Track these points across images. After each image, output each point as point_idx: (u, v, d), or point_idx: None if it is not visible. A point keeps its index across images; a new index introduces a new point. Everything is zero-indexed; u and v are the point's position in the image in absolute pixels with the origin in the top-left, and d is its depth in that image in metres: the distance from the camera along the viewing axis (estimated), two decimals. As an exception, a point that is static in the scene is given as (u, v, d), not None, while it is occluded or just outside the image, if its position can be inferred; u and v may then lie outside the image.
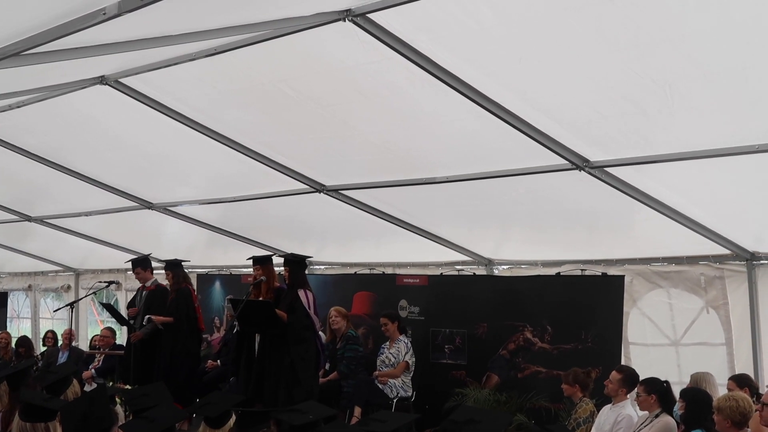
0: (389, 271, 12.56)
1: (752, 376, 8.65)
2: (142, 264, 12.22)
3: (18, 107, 9.40)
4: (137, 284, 12.69)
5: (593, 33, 5.96)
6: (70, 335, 14.80)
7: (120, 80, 8.47)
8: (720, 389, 8.41)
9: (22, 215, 14.74)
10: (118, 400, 10.38)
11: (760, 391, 8.01)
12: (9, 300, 20.21)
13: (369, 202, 10.60)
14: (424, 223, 11.00)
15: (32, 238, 16.46)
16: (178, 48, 7.23)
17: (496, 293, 11.18)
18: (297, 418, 5.55)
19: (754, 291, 9.16)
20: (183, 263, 12.07)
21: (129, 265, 12.68)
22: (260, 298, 10.49)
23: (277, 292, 10.57)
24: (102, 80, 8.43)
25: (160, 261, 13.28)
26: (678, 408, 7.87)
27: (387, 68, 7.01)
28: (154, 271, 12.49)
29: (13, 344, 16.39)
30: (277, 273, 10.90)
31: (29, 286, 19.64)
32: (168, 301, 11.74)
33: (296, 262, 10.58)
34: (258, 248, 12.77)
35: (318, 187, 10.31)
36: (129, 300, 12.90)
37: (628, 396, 8.56)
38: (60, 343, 15.45)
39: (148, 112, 8.98)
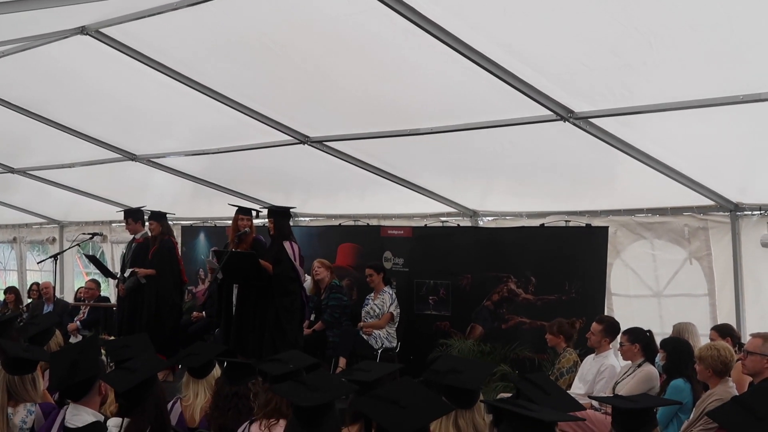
0: (374, 222, 12.58)
1: (734, 326, 8.71)
2: (133, 215, 12.12)
3: (-2, 58, 9.33)
4: (122, 236, 12.66)
5: (578, -18, 5.93)
6: (45, 288, 14.88)
7: (101, 30, 8.39)
8: (702, 339, 8.47)
9: (5, 167, 14.68)
10: (102, 351, 10.40)
11: (742, 341, 8.08)
12: (-7, 252, 20.24)
13: (353, 153, 10.57)
14: (409, 175, 10.98)
15: (16, 191, 16.40)
16: (160, -3, 7.17)
17: (480, 245, 11.20)
18: (278, 368, 5.57)
19: (737, 242, 9.19)
20: (167, 215, 12.04)
21: (113, 217, 12.62)
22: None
23: (254, 243, 10.59)
24: (83, 31, 8.35)
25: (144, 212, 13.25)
26: (660, 358, 7.93)
27: (370, 19, 6.95)
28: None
29: (0, 294, 16.44)
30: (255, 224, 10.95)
31: (14, 239, 19.61)
32: (150, 252, 11.69)
33: (281, 213, 10.57)
34: (243, 200, 12.74)
35: (302, 139, 10.27)
36: (123, 253, 12.82)
37: (611, 346, 8.62)
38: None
39: (130, 63, 8.91)
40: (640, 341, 8.11)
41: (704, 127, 7.71)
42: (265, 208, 11.08)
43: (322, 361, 10.62)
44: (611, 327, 8.62)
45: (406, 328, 11.38)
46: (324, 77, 8.54)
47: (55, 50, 8.94)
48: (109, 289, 16.09)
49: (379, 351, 10.90)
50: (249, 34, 7.90)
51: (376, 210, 12.54)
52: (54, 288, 14.47)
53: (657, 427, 5.03)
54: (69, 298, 16.23)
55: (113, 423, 5.22)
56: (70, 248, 15.63)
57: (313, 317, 11.49)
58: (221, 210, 13.20)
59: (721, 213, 9.30)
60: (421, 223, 12.05)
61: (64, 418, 5.30)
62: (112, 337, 11.63)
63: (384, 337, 11.02)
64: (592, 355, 8.65)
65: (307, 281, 11.43)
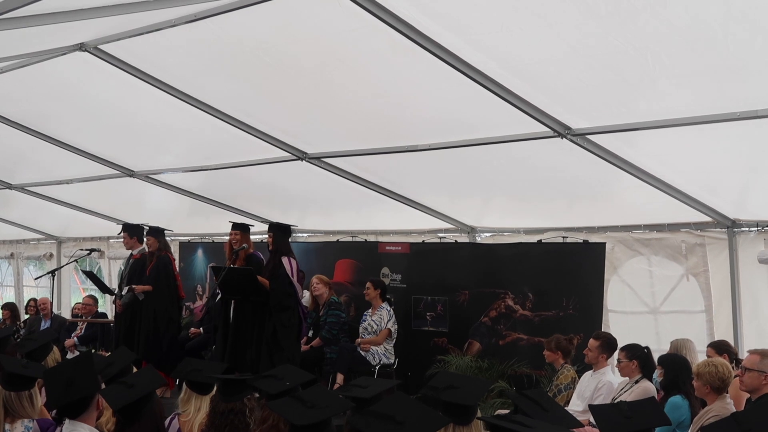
0: (371, 238, 12.58)
1: (732, 342, 8.70)
2: (130, 230, 12.13)
3: (-3, 74, 9.34)
4: (119, 252, 12.64)
5: (575, 0, 5.93)
6: (43, 304, 14.90)
7: (100, 47, 8.40)
8: (700, 356, 8.45)
9: (2, 183, 14.69)
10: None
11: (740, 357, 8.06)
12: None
13: (351, 169, 10.58)
14: (407, 191, 10.99)
15: (14, 206, 16.40)
16: (158, 14, 7.18)
17: (478, 261, 11.20)
18: (274, 386, 5.54)
19: (734, 258, 9.18)
20: (165, 232, 12.05)
21: (111, 233, 12.61)
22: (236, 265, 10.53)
23: (247, 258, 10.60)
24: (81, 47, 8.37)
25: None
26: (657, 375, 7.92)
27: (368, 35, 6.96)
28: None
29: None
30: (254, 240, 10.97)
31: (11, 255, 19.59)
32: (147, 268, 11.69)
33: (280, 229, 10.60)
34: (241, 216, 12.75)
35: (300, 155, 10.27)
36: (120, 269, 12.82)
37: (609, 362, 8.61)
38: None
39: (129, 80, 8.92)
40: (637, 357, 8.09)
41: (701, 144, 7.73)
42: (264, 223, 11.08)
43: (320, 377, 10.62)
44: (608, 343, 8.61)
45: (404, 344, 11.37)
46: (322, 93, 8.55)
47: (54, 66, 8.94)
48: (106, 305, 16.07)
49: (377, 367, 10.90)
50: (247, 50, 7.91)
51: (373, 226, 12.54)
52: (51, 304, 14.47)
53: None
54: (66, 314, 16.21)
55: (111, 439, 5.22)
56: (67, 264, 15.63)
57: (311, 333, 11.48)
58: (219, 226, 13.23)
59: (718, 229, 9.30)
60: (419, 239, 12.04)
61: (61, 435, 5.29)
62: (109, 354, 11.61)
63: (382, 354, 11.01)
64: (590, 372, 8.64)
65: (305, 296, 11.44)
